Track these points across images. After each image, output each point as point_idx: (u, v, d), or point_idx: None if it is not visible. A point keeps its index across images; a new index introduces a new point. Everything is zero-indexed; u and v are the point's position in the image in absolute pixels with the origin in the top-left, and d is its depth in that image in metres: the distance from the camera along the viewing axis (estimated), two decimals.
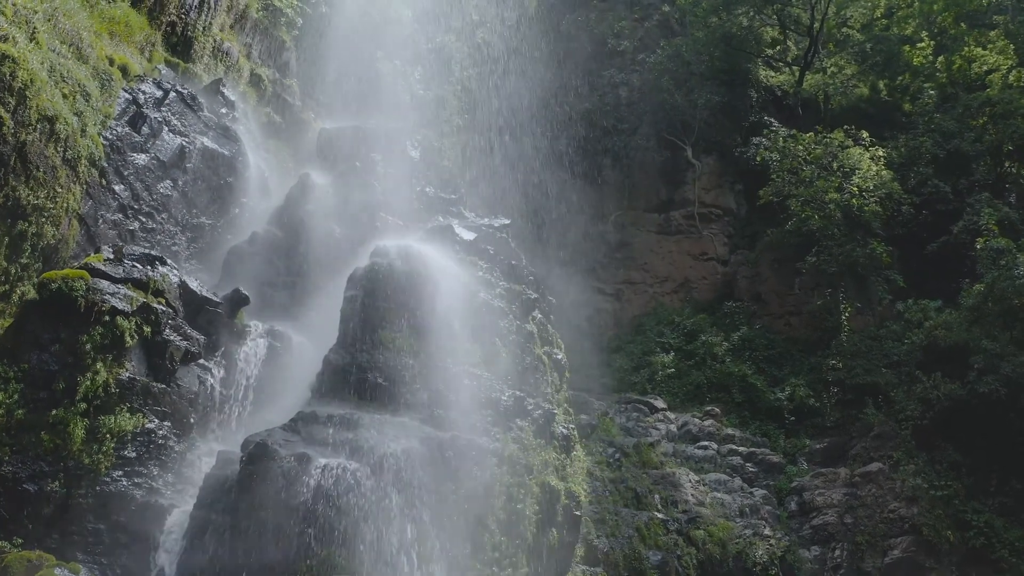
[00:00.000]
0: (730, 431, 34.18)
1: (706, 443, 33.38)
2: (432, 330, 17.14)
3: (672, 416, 35.28)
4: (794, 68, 44.63)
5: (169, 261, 18.03)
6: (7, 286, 16.66)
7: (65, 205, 17.73)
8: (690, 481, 30.19)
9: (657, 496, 28.86)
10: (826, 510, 30.18)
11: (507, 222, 22.88)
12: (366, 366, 16.23)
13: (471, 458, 15.91)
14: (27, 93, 16.64)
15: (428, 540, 14.75)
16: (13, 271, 16.75)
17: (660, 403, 35.82)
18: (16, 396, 14.98)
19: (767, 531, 29.25)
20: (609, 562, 25.16)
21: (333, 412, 15.35)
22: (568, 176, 43.33)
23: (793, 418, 34.40)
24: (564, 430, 19.75)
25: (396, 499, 14.52)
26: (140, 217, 19.92)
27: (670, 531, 27.34)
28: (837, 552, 28.91)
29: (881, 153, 35.66)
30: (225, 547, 14.32)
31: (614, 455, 29.50)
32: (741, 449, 33.17)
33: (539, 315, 21.47)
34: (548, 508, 18.07)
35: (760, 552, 28.22)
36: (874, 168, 35.01)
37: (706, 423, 34.65)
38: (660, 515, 27.87)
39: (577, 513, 18.92)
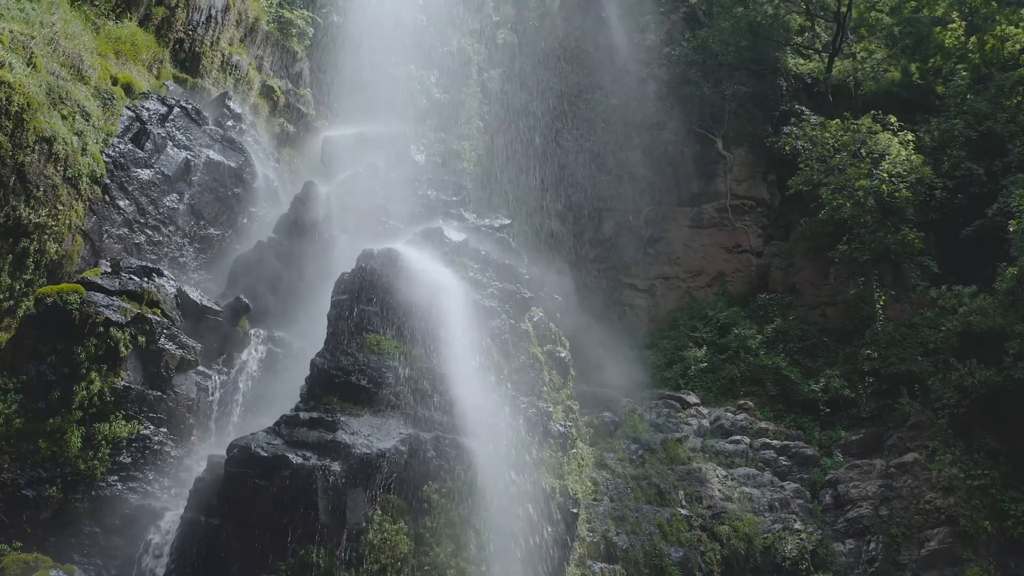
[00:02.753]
0: (763, 424, 33.84)
1: (738, 437, 33.09)
2: (418, 332, 17.36)
3: (705, 411, 35.05)
4: (823, 55, 43.81)
5: (166, 272, 18.60)
6: (12, 301, 17.40)
7: (67, 222, 18.43)
8: (718, 476, 29.93)
9: (681, 492, 28.67)
10: (861, 502, 29.73)
11: (507, 222, 22.99)
12: (350, 369, 16.53)
13: (454, 457, 16.06)
14: (24, 116, 17.35)
15: (407, 539, 14.98)
16: (17, 287, 17.49)
17: (693, 398, 35.58)
18: (15, 406, 15.63)
19: (797, 525, 28.90)
20: (628, 559, 25.07)
21: (315, 414, 15.67)
22: (598, 173, 43.26)
23: (828, 410, 33.94)
24: (561, 428, 19.81)
25: (371, 498, 14.79)
26: (147, 230, 20.57)
27: (693, 527, 27.14)
28: (872, 545, 28.51)
29: (910, 137, 34.90)
30: (213, 548, 14.74)
31: (637, 452, 29.40)
32: (775, 442, 32.80)
33: (540, 314, 21.55)
34: (542, 506, 18.14)
35: (789, 547, 27.90)
36: (904, 153, 34.28)
37: (739, 417, 34.34)
38: (684, 511, 27.69)
39: (574, 511, 18.95)
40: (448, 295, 18.26)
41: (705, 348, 37.56)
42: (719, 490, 29.29)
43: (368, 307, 17.23)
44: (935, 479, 29.09)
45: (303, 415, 15.70)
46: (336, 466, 14.76)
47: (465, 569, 15.54)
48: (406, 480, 15.41)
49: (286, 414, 15.83)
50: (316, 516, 14.37)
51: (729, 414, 34.40)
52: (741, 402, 35.32)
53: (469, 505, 16.01)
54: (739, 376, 36.30)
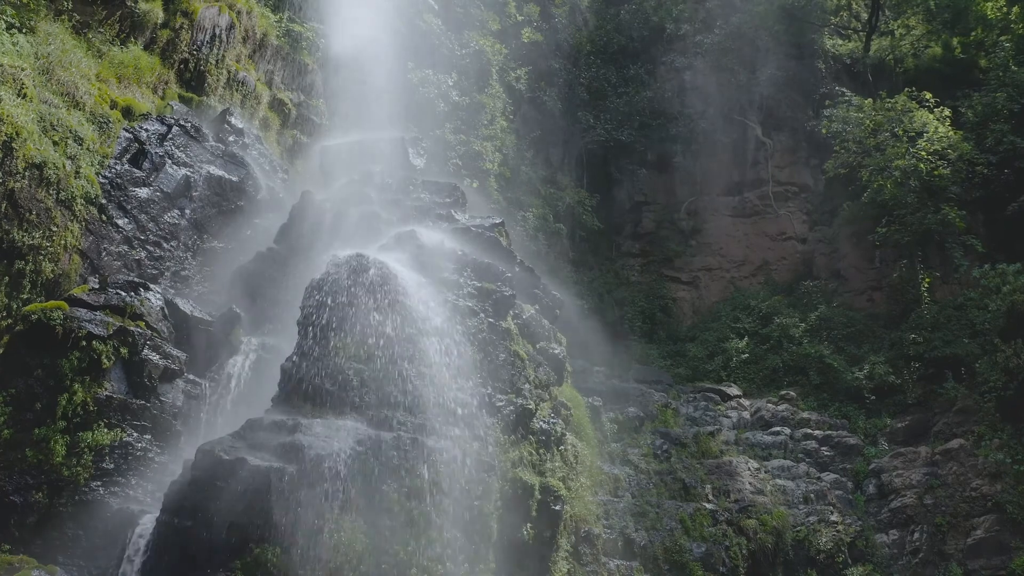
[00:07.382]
0: (806, 415, 33.17)
1: (778, 428, 32.49)
2: (385, 334, 17.63)
3: (746, 403, 34.54)
4: (862, 34, 42.51)
5: (153, 286, 19.39)
6: (10, 320, 18.38)
7: (63, 242, 19.39)
8: (749, 469, 29.47)
9: (709, 486, 28.34)
10: (905, 492, 29.05)
11: (499, 221, 23.06)
12: (316, 372, 16.94)
13: (418, 457, 16.25)
14: (13, 145, 18.35)
15: (364, 537, 15.28)
16: (14, 306, 18.48)
17: (734, 390, 35.10)
18: (3, 418, 16.56)
19: (834, 517, 28.31)
20: (647, 556, 24.89)
21: (276, 418, 16.14)
22: (636, 166, 42.96)
23: (873, 397, 33.15)
24: (544, 425, 19.79)
25: (327, 497, 15.15)
26: (147, 247, 21.44)
27: (719, 522, 26.80)
28: (916, 535, 27.92)
29: (947, 113, 33.61)
30: (182, 549, 15.33)
31: (662, 446, 29.16)
32: (816, 433, 32.15)
33: (531, 311, 21.60)
34: (520, 504, 18.22)
35: (824, 539, 27.39)
36: (941, 130, 33.06)
37: (780, 408, 33.73)
38: (709, 505, 27.37)
39: (556, 508, 18.94)
40: (417, 296, 18.48)
41: (747, 339, 37.01)
42: (750, 483, 28.79)
43: (335, 311, 17.62)
44: (981, 465, 28.32)
45: (266, 419, 16.21)
46: (291, 467, 15.17)
47: (429, 568, 15.73)
48: (364, 479, 15.70)
49: (251, 418, 16.34)
50: (270, 515, 14.82)
51: (770, 405, 33.83)
52: (783, 392, 34.72)
53: (432, 504, 16.20)
54: (781, 366, 35.73)
